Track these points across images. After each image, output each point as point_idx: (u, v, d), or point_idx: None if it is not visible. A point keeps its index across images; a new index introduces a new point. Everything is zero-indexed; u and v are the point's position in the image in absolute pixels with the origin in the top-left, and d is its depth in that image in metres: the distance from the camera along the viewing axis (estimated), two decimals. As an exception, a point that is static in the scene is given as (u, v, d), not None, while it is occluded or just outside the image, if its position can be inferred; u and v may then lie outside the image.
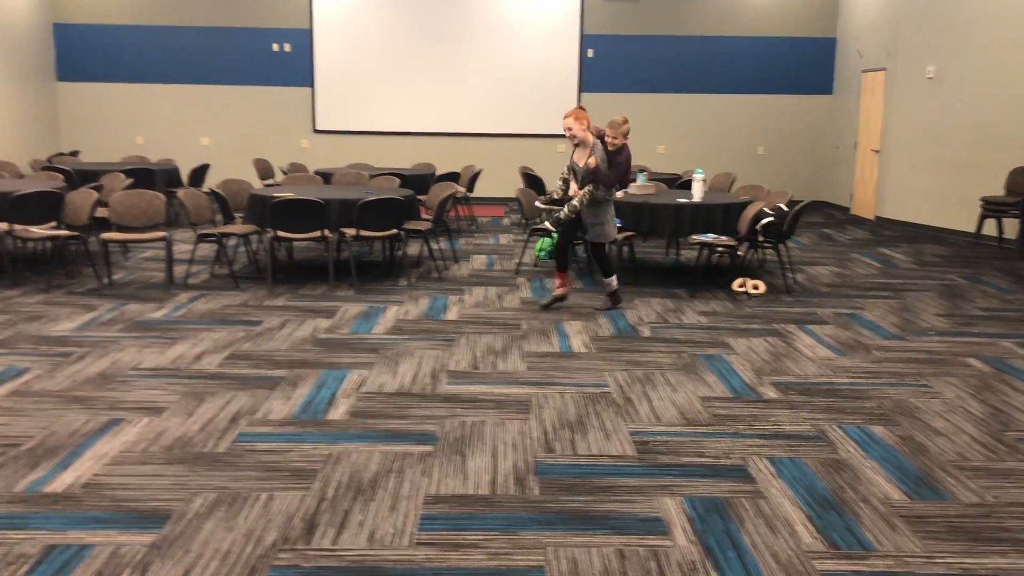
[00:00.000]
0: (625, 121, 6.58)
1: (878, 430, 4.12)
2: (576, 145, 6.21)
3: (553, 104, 13.47)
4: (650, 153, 13.54)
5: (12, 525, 3.03)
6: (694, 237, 7.15)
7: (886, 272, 8.23)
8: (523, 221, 11.04)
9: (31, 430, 3.90)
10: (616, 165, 6.28)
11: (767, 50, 13.36)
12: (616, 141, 6.46)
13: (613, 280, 6.48)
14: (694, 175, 7.56)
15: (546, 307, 6.47)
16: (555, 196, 6.50)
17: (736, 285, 7.18)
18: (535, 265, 8.28)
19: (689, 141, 13.63)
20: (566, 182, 6.39)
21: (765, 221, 7.09)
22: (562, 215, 6.20)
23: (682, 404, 4.45)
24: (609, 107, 13.49)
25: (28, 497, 3.25)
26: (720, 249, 7.15)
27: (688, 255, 8.91)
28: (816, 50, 13.38)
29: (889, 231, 10.96)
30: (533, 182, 10.08)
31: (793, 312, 6.53)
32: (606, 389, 4.66)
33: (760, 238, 7.17)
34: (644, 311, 6.47)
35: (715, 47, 13.38)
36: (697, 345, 5.57)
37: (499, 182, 13.31)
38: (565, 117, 6.05)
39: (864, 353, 5.46)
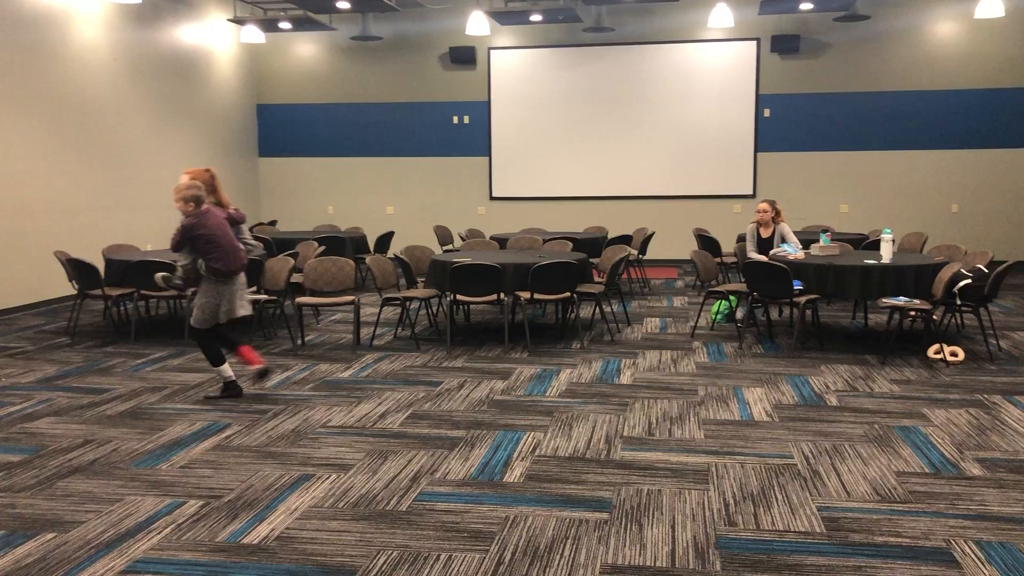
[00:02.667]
0: (190, 187, 5.43)
1: (1107, 516, 3.69)
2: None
3: (728, 165, 13.30)
4: (832, 212, 13.04)
5: (214, 573, 3.22)
6: (884, 300, 6.78)
7: (1108, 338, 7.45)
8: (698, 283, 10.86)
9: (231, 483, 4.17)
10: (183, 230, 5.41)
11: (959, 103, 12.64)
12: (185, 208, 5.40)
13: (224, 369, 5.66)
14: (882, 235, 7.20)
15: (256, 382, 5.82)
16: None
17: (932, 352, 6.71)
18: (711, 328, 8.09)
19: (875, 200, 13.02)
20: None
21: (963, 283, 6.62)
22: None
23: (875, 479, 4.17)
24: (787, 166, 13.16)
25: (228, 547, 3.45)
26: (913, 313, 6.73)
27: (877, 319, 8.43)
28: (1016, 101, 12.52)
29: (1109, 293, 9.96)
30: (708, 244, 9.92)
31: (998, 382, 6.02)
32: (791, 460, 4.44)
33: (958, 302, 6.69)
34: (831, 378, 6.16)
35: (901, 102, 12.80)
36: (890, 416, 5.23)
37: (673, 244, 13.19)
38: (185, 173, 5.70)
39: (1085, 428, 4.93)
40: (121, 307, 8.61)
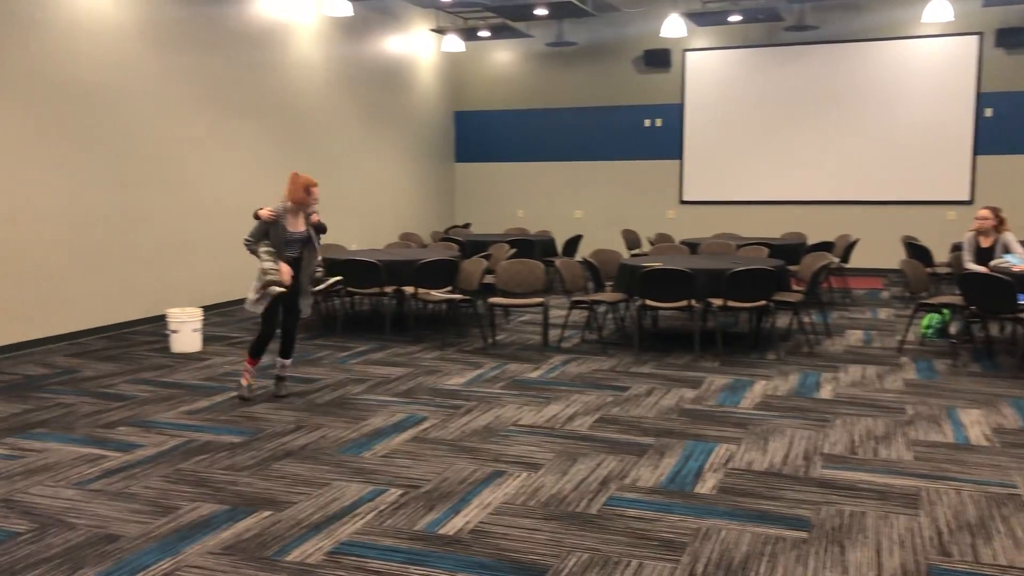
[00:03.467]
0: None
1: None
2: (287, 213, 5.52)
3: (941, 169, 12.40)
4: (1063, 221, 11.85)
5: (413, 561, 3.36)
6: None
7: None
8: (907, 295, 10.20)
9: (428, 474, 4.33)
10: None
11: None
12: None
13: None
14: None
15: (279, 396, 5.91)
16: (269, 277, 5.44)
17: None
18: (921, 343, 7.56)
19: (1115, 206, 11.72)
20: (274, 257, 5.50)
21: None
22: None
23: (1117, 517, 3.74)
24: (1012, 170, 12.11)
25: (426, 536, 3.59)
26: None
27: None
28: None
29: None
30: (919, 252, 9.30)
31: None
32: (1015, 490, 4.07)
33: None
34: (1060, 403, 5.60)
35: None
36: None
37: (877, 252, 12.45)
38: (314, 185, 5.52)
39: None
40: (329, 302, 9.17)
